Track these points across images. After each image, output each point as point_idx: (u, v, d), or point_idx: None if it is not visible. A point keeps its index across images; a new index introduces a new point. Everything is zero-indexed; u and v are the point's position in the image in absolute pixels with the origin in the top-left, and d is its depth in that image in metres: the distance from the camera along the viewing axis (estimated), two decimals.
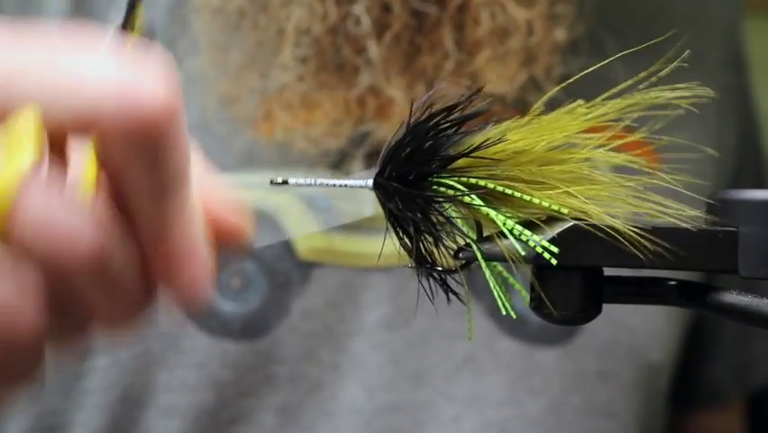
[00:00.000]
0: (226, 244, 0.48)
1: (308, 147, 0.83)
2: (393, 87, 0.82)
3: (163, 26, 0.89)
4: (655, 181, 0.48)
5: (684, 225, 0.47)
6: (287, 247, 0.85)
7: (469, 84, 0.81)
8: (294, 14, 0.82)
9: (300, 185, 0.50)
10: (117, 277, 0.44)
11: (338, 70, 0.83)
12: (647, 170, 0.48)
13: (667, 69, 0.49)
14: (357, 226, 0.85)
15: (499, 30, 0.82)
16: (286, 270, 0.85)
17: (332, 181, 0.50)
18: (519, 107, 0.83)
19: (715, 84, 0.95)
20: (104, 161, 0.43)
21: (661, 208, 0.48)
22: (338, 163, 0.84)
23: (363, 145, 0.83)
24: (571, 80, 0.50)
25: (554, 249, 0.46)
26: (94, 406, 0.84)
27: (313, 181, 0.50)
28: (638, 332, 0.87)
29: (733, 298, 0.48)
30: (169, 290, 0.46)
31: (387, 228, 0.49)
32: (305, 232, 0.85)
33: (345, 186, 0.50)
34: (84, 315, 0.46)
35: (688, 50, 0.49)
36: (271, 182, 0.50)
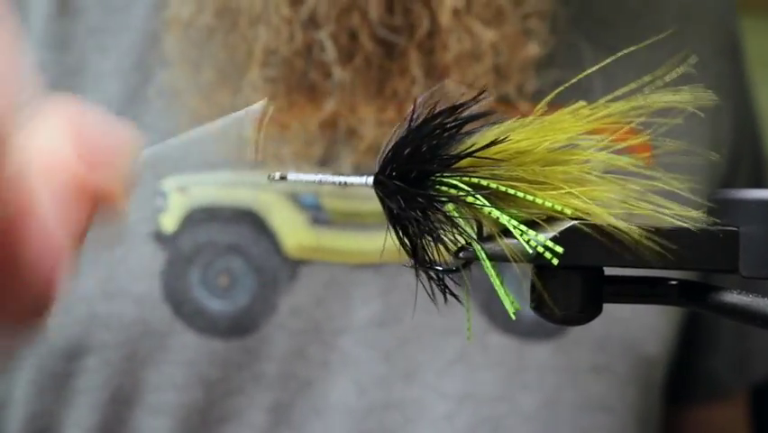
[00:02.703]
0: (97, 208, 0.40)
1: (279, 168, 0.83)
2: (363, 111, 0.82)
3: (144, 24, 0.89)
4: (656, 184, 0.48)
5: (685, 224, 0.47)
6: (274, 245, 0.85)
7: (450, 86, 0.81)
8: (261, 35, 0.82)
9: (299, 181, 0.50)
10: None
11: (308, 92, 0.83)
12: (647, 169, 0.48)
13: (673, 74, 0.48)
14: (346, 223, 0.85)
15: (468, 53, 0.82)
16: (273, 267, 0.84)
17: (331, 178, 0.50)
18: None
19: (708, 72, 0.95)
20: None
21: (661, 208, 0.48)
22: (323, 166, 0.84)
23: (333, 167, 0.84)
24: (571, 82, 0.50)
25: (559, 249, 0.46)
26: (85, 406, 0.84)
27: (312, 178, 0.50)
28: (632, 325, 0.87)
29: (734, 297, 0.48)
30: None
31: (384, 226, 0.49)
32: (292, 229, 0.85)
33: (345, 183, 0.50)
34: None
35: (692, 56, 0.49)
36: (269, 177, 0.50)
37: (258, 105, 0.47)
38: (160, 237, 0.85)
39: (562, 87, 0.49)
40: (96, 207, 0.40)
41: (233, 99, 0.83)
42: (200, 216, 0.85)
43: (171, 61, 0.86)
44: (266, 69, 0.82)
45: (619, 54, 0.52)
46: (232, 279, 0.84)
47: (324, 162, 0.84)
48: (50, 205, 0.38)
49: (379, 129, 0.82)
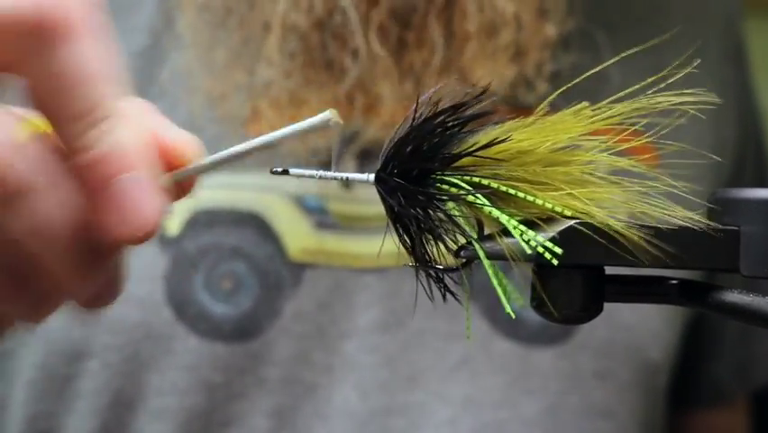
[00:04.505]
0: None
1: (296, 146, 0.83)
2: (381, 83, 0.82)
3: (150, 21, 0.89)
4: (658, 185, 0.48)
5: (686, 224, 0.47)
6: (278, 248, 0.84)
7: (461, 80, 0.80)
8: (280, 8, 0.81)
9: (301, 176, 0.50)
10: (49, 219, 0.44)
11: (326, 67, 0.82)
12: (649, 170, 0.48)
13: (678, 76, 0.48)
14: (351, 227, 0.85)
15: (488, 24, 0.81)
16: (277, 271, 0.84)
17: (333, 174, 0.50)
18: (510, 104, 0.83)
19: (714, 77, 0.94)
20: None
21: (663, 209, 0.48)
22: (329, 162, 0.84)
23: (353, 143, 0.83)
24: (578, 80, 0.50)
25: (558, 250, 0.46)
26: (85, 409, 0.84)
27: (314, 173, 0.50)
28: (636, 331, 0.86)
29: (734, 297, 0.48)
30: (114, 223, 0.45)
31: (387, 227, 0.49)
32: (296, 233, 0.85)
33: (347, 179, 0.50)
34: (30, 274, 0.46)
35: (697, 60, 0.49)
36: (272, 171, 0.50)
37: (327, 115, 0.48)
38: (163, 240, 0.84)
39: (563, 88, 0.49)
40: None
41: (248, 78, 0.83)
42: (204, 219, 0.84)
43: (185, 44, 0.85)
44: (284, 43, 0.81)
45: (627, 53, 0.52)
46: (235, 282, 0.84)
47: (342, 140, 0.83)
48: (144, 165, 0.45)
49: (398, 103, 0.82)
